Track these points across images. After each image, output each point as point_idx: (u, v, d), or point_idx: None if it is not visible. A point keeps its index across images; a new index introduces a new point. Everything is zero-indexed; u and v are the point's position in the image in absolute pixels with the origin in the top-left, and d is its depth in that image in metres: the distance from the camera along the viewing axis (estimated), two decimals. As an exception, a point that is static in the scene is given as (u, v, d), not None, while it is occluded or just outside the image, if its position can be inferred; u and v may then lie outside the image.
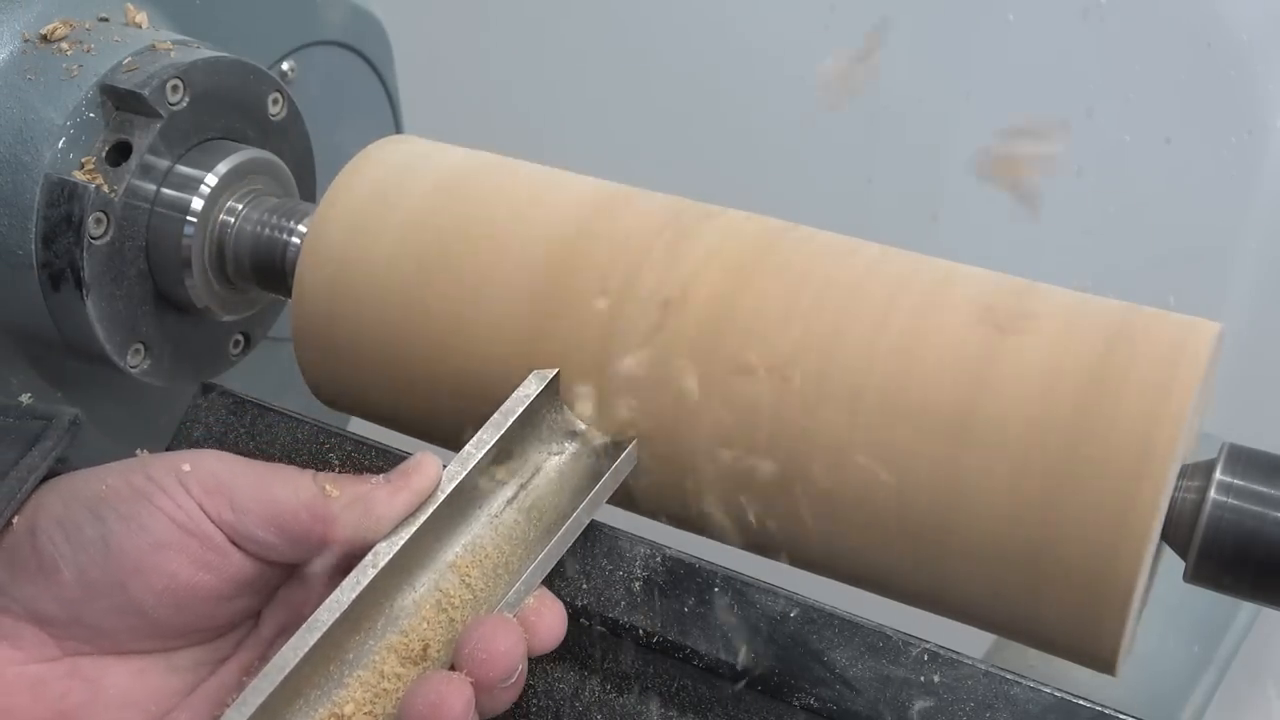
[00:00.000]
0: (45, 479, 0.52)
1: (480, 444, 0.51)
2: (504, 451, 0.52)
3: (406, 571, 0.50)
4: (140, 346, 0.67)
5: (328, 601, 0.47)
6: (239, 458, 0.52)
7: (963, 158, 1.13)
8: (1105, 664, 0.49)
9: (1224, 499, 0.48)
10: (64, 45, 0.65)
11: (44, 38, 0.65)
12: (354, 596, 0.47)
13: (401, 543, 0.49)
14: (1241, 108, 1.02)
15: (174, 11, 0.71)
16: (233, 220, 0.66)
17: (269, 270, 0.66)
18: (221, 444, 0.65)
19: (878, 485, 0.50)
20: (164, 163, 0.65)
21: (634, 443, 0.54)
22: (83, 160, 0.63)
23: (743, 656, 0.52)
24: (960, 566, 0.50)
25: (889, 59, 1.15)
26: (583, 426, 0.54)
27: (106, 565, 0.49)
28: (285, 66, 0.79)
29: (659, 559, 0.55)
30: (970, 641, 0.54)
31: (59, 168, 0.63)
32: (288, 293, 0.63)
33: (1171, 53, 1.03)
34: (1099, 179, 1.09)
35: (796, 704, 0.51)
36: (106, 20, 0.67)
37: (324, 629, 0.47)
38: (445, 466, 0.51)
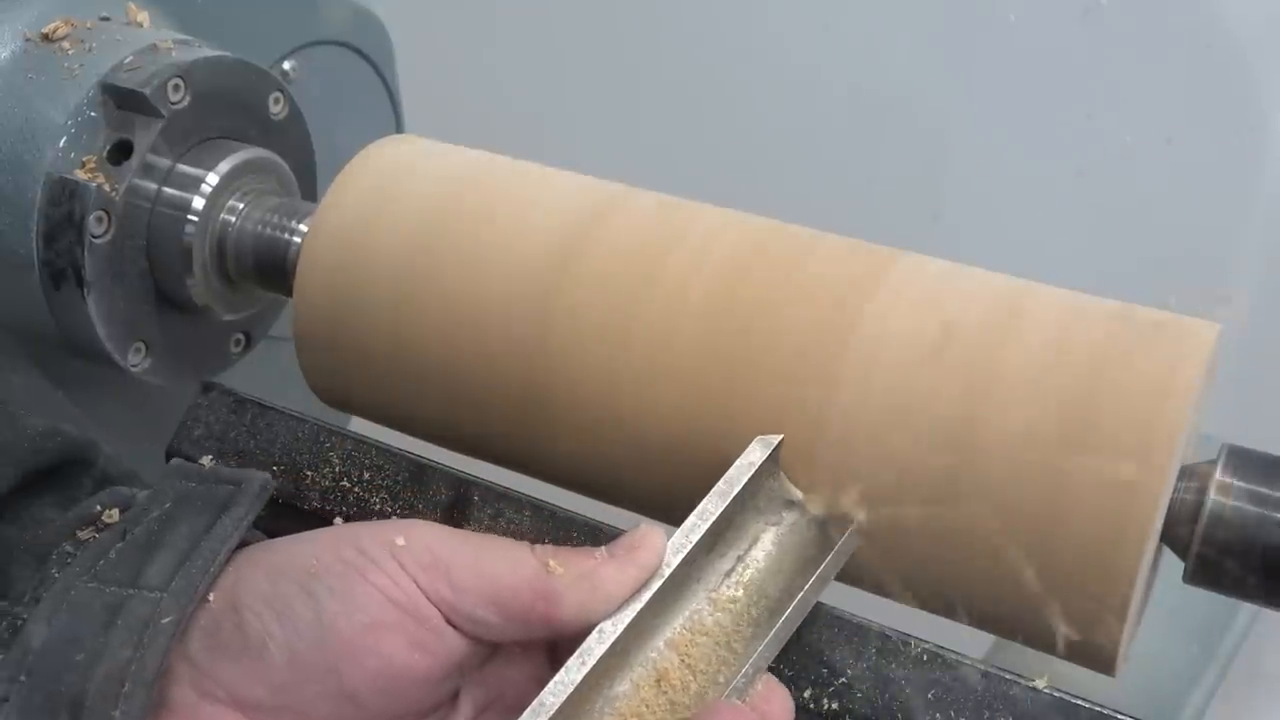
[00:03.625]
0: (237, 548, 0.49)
1: (705, 515, 0.48)
2: (721, 521, 0.49)
3: (624, 650, 0.46)
4: (141, 345, 0.67)
5: (552, 684, 0.44)
6: (451, 529, 0.48)
7: (964, 157, 1.13)
8: (1105, 665, 0.49)
9: (1223, 500, 0.48)
10: (65, 44, 0.65)
11: (45, 37, 0.65)
12: (580, 678, 0.44)
13: (627, 621, 0.46)
14: (1242, 108, 1.02)
15: (175, 11, 0.71)
16: (234, 219, 0.67)
17: (270, 269, 0.66)
18: (222, 442, 0.65)
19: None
20: (165, 162, 0.65)
21: (860, 519, 0.50)
22: (84, 159, 0.63)
23: (743, 656, 0.52)
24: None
25: (890, 59, 1.15)
26: (800, 495, 0.51)
27: (320, 647, 0.45)
28: (286, 66, 0.79)
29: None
30: (970, 641, 0.54)
31: (60, 166, 0.63)
32: (288, 292, 0.63)
33: (1172, 53, 1.03)
34: (1100, 179, 1.09)
35: (796, 703, 0.51)
36: (108, 19, 0.67)
37: (550, 713, 0.43)
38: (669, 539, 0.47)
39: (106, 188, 0.63)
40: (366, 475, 0.61)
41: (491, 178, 0.61)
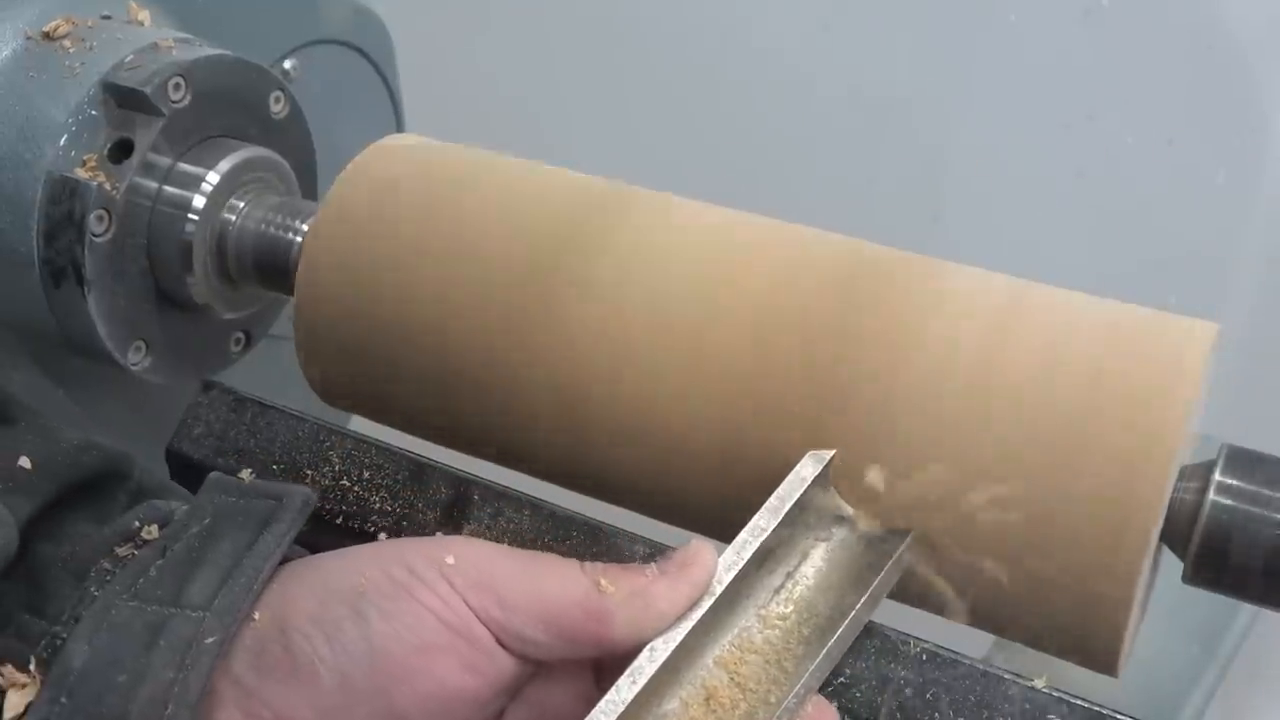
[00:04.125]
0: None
1: (756, 531, 0.47)
2: (771, 537, 0.48)
3: (674, 668, 0.45)
4: (141, 344, 0.67)
5: (603, 703, 0.43)
6: (498, 546, 0.48)
7: (964, 158, 1.13)
8: (1107, 665, 0.49)
9: (1223, 500, 0.48)
10: (66, 43, 0.65)
11: (46, 35, 0.65)
12: (631, 697, 0.43)
13: (679, 639, 0.45)
14: (1242, 110, 1.02)
15: (176, 9, 0.71)
16: (234, 218, 0.67)
17: (270, 268, 0.66)
18: (222, 441, 0.65)
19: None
20: (166, 160, 0.65)
21: (912, 533, 0.49)
22: (85, 158, 0.63)
23: (743, 656, 0.52)
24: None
25: (890, 59, 1.15)
26: (850, 511, 0.50)
27: (370, 669, 0.44)
28: (287, 65, 0.79)
29: (658, 558, 0.55)
30: (970, 641, 0.54)
31: (61, 165, 0.63)
32: (289, 291, 0.63)
33: (1173, 55, 1.03)
34: (1100, 180, 1.09)
35: (796, 703, 0.51)
36: (109, 18, 0.67)
37: None
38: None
39: (107, 186, 0.63)
40: (366, 474, 0.61)
41: (492, 177, 0.61)
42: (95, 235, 0.63)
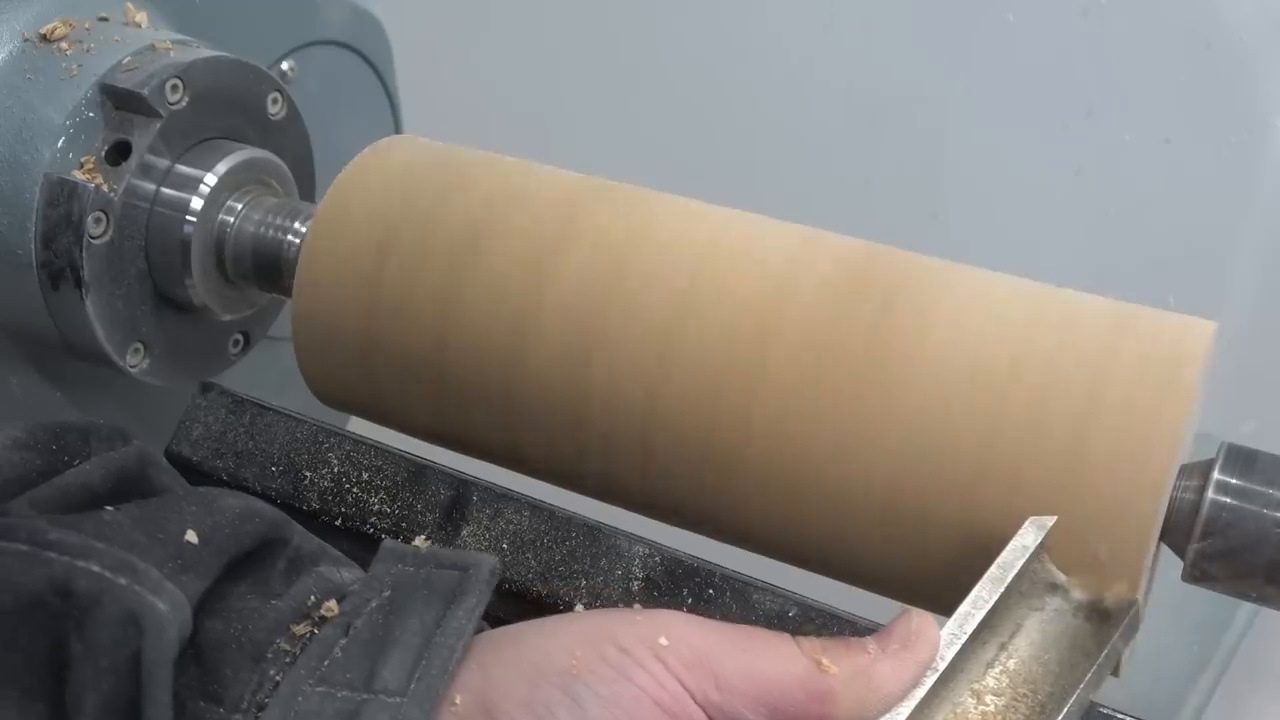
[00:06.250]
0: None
1: (979, 604, 0.45)
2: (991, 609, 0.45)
3: None
4: (140, 346, 0.67)
5: None
6: (708, 621, 0.45)
7: (962, 157, 1.13)
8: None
9: (1222, 499, 0.48)
10: (63, 45, 0.65)
11: (43, 37, 0.65)
12: None
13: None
14: (1241, 108, 1.02)
15: (174, 11, 0.71)
16: (232, 220, 0.66)
17: (269, 270, 0.66)
18: (220, 443, 0.65)
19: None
20: (164, 162, 0.65)
21: (1136, 605, 0.47)
22: (82, 160, 0.63)
23: (742, 656, 0.51)
24: (961, 565, 0.50)
25: (889, 58, 1.15)
26: (1064, 579, 0.47)
27: None
28: (285, 66, 0.79)
29: (658, 558, 0.55)
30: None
31: (58, 167, 0.63)
32: (287, 292, 0.63)
33: (1171, 53, 1.03)
34: (1099, 179, 1.09)
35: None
36: (106, 20, 0.67)
37: None
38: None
39: (105, 188, 0.63)
40: (365, 476, 0.61)
41: (490, 177, 0.61)
42: (93, 237, 0.63)
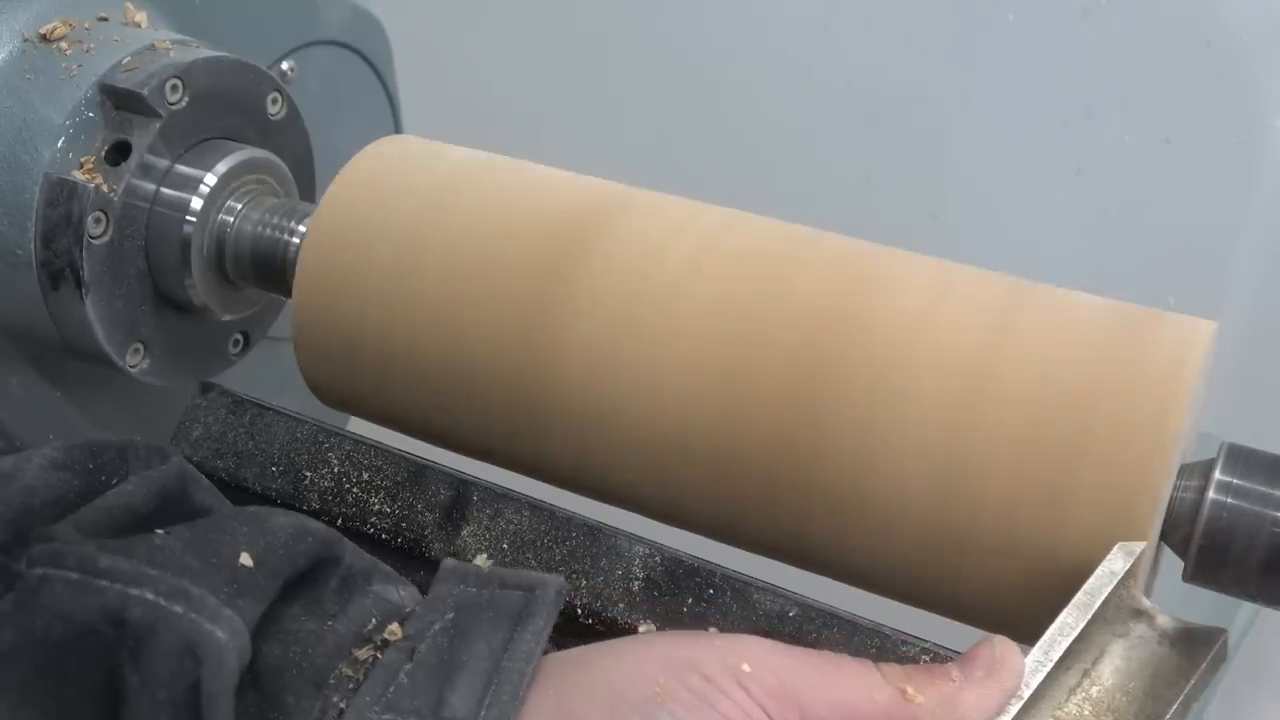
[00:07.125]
0: None
1: (1065, 630, 0.44)
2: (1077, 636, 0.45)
3: None
4: (139, 346, 0.67)
5: None
6: (789, 647, 0.44)
7: (962, 157, 1.13)
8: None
9: (1223, 498, 0.48)
10: (63, 45, 0.65)
11: (43, 37, 0.65)
12: None
13: None
14: (1241, 107, 1.02)
15: (173, 11, 0.71)
16: (232, 220, 0.66)
17: (269, 270, 0.66)
18: (220, 443, 0.65)
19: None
20: (163, 162, 0.65)
21: (1226, 634, 0.46)
22: (82, 160, 0.63)
23: (742, 656, 0.51)
24: (960, 564, 0.50)
25: (889, 58, 1.15)
26: (1149, 605, 0.47)
27: None
28: (285, 66, 0.79)
29: (658, 559, 0.55)
30: (970, 641, 0.54)
31: (58, 167, 0.63)
32: (287, 292, 0.63)
33: (1171, 52, 1.03)
34: (1098, 178, 1.09)
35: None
36: (106, 20, 0.67)
37: None
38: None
39: (104, 188, 0.63)
40: (365, 476, 0.61)
41: (491, 178, 0.61)
42: (93, 237, 0.63)
